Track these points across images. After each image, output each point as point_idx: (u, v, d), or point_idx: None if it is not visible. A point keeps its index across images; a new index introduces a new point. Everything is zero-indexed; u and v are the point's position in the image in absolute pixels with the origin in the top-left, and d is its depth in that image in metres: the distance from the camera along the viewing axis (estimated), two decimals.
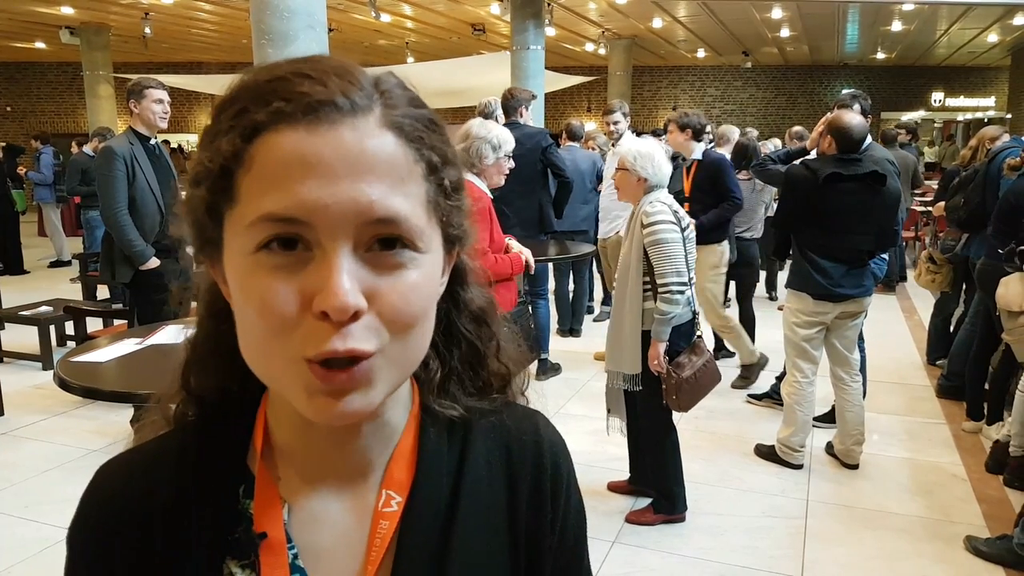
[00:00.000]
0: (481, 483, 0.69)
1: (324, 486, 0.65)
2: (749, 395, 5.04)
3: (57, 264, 10.59)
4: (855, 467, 4.08)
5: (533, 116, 5.91)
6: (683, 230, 3.29)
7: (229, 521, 0.63)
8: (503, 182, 3.63)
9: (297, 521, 0.64)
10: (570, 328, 6.65)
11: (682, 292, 3.22)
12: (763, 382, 5.18)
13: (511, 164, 3.62)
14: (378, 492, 0.66)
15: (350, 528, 0.65)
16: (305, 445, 0.65)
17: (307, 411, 0.56)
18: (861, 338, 4.48)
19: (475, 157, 3.48)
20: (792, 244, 3.98)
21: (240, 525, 0.63)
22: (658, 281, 3.22)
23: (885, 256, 4.51)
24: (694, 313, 3.42)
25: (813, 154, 4.30)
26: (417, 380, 0.70)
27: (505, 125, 5.00)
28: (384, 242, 0.55)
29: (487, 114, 5.68)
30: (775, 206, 6.31)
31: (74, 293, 7.98)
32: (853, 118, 3.86)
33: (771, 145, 8.90)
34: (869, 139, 4.43)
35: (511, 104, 5.47)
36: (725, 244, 5.26)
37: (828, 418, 4.47)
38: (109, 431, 4.55)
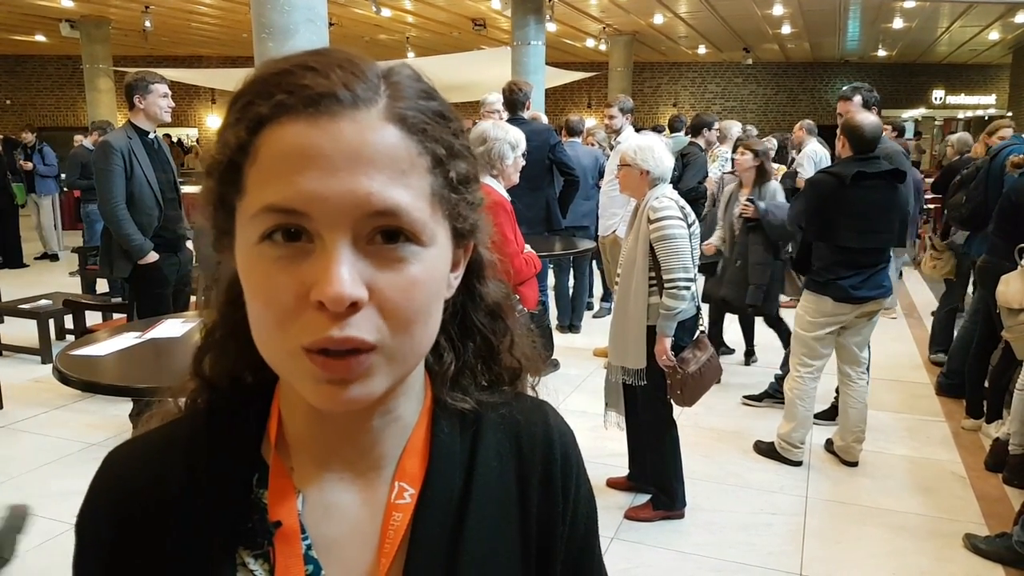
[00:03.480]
0: (492, 474, 0.69)
1: (337, 477, 0.66)
2: (746, 396, 5.03)
3: (52, 258, 10.57)
4: (854, 464, 4.08)
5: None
6: (689, 226, 3.29)
7: (242, 510, 0.63)
8: (517, 180, 3.64)
9: (311, 512, 0.65)
10: (570, 324, 6.65)
11: (688, 288, 3.22)
12: (762, 382, 5.17)
13: (522, 162, 3.63)
14: (391, 484, 0.66)
15: (363, 520, 0.65)
16: (317, 436, 0.65)
17: (312, 399, 0.57)
18: None
19: (496, 159, 3.48)
20: (813, 250, 3.96)
21: (254, 515, 0.63)
22: (665, 277, 3.22)
23: (891, 255, 4.51)
24: (698, 308, 3.42)
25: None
26: (429, 371, 0.70)
27: (510, 121, 4.98)
28: (386, 235, 0.55)
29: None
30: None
31: (73, 287, 7.97)
32: (865, 117, 3.84)
33: (774, 140, 8.88)
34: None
35: (517, 99, 5.39)
36: None
37: (827, 415, 4.47)
38: (108, 425, 4.54)
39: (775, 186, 5.04)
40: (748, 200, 4.86)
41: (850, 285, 3.80)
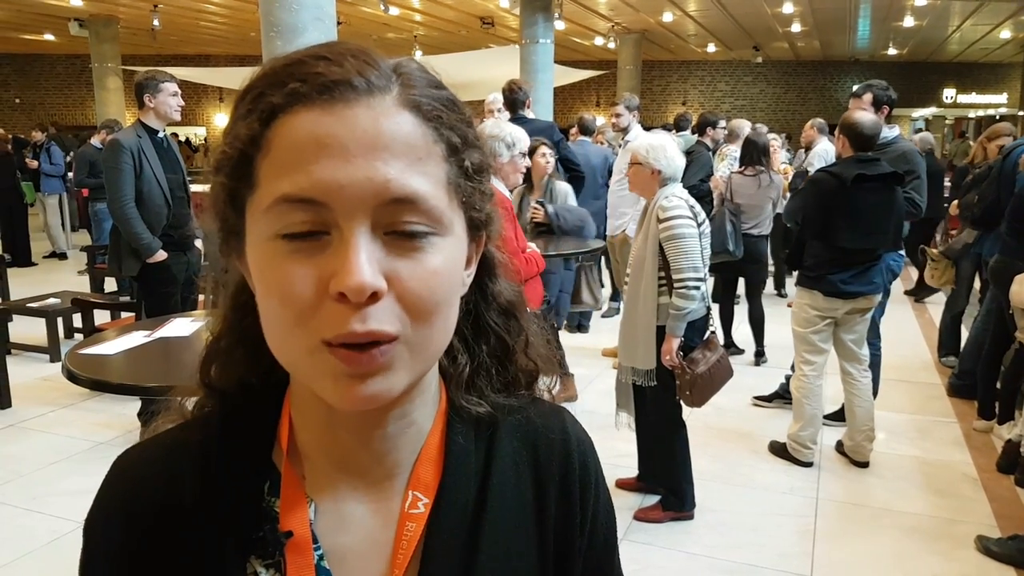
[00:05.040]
0: (508, 483, 0.68)
1: (350, 486, 0.64)
2: (756, 397, 5.01)
3: (61, 256, 10.61)
4: (865, 464, 4.06)
5: (535, 110, 5.88)
6: (699, 225, 3.26)
7: (254, 519, 0.62)
8: (520, 180, 3.63)
9: (323, 521, 0.63)
10: (578, 324, 6.63)
11: (698, 287, 3.20)
12: (772, 382, 5.15)
13: (527, 162, 3.61)
14: (404, 493, 0.65)
15: (376, 529, 0.64)
16: (330, 443, 0.64)
17: (330, 396, 0.55)
18: (878, 336, 4.47)
19: (489, 156, 3.46)
20: (806, 248, 3.95)
21: (265, 523, 0.62)
22: (674, 276, 3.20)
23: (902, 252, 4.49)
24: (708, 308, 3.40)
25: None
26: (444, 375, 0.69)
27: (512, 120, 4.97)
28: (404, 224, 0.54)
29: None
30: (783, 203, 6.28)
31: (82, 285, 7.99)
32: (863, 115, 3.84)
33: (778, 140, 8.86)
34: (897, 131, 4.42)
35: (517, 98, 5.38)
36: None
37: (838, 416, 4.44)
38: (116, 423, 4.55)
39: (566, 189, 4.84)
40: (538, 203, 4.62)
41: (840, 280, 3.82)
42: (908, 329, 6.92)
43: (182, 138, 19.35)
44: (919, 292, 8.22)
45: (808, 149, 8.13)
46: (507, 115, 5.36)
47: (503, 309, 0.71)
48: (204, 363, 0.68)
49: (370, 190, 0.52)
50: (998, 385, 4.54)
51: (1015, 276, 3.85)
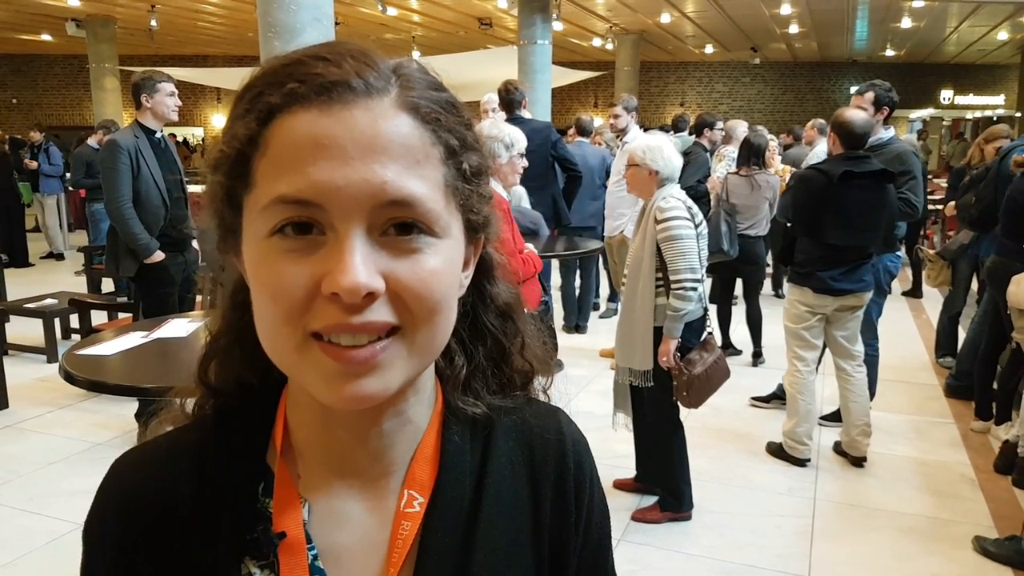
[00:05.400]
0: (503, 483, 0.68)
1: (345, 485, 0.64)
2: (754, 398, 5.01)
3: (58, 257, 10.60)
4: (862, 461, 4.07)
5: (533, 111, 5.89)
6: (697, 226, 3.27)
7: (248, 520, 0.62)
8: (518, 181, 3.63)
9: (317, 521, 0.63)
10: (576, 325, 6.64)
11: (695, 289, 3.21)
12: (770, 383, 5.15)
13: (524, 163, 3.61)
14: (400, 492, 0.65)
15: (371, 529, 0.64)
16: (326, 442, 0.64)
17: (323, 395, 0.55)
18: (875, 336, 4.48)
19: (488, 157, 3.46)
20: (797, 244, 3.98)
21: (259, 524, 0.62)
22: (671, 277, 3.21)
23: (900, 254, 4.50)
24: (705, 309, 3.40)
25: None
26: (440, 376, 0.69)
27: (508, 121, 4.97)
28: (400, 227, 0.54)
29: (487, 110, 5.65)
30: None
31: (79, 286, 7.98)
32: (855, 114, 3.85)
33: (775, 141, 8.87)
34: (893, 131, 4.43)
35: (513, 98, 5.38)
36: None
37: (835, 417, 4.45)
38: (114, 424, 4.55)
39: (520, 191, 4.81)
40: None
41: (830, 277, 3.84)
42: (905, 330, 6.93)
43: (179, 138, 19.34)
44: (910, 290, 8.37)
45: (788, 148, 8.17)
46: (503, 115, 5.36)
47: (501, 311, 0.71)
48: (202, 362, 0.68)
49: (367, 192, 0.52)
50: (995, 385, 4.55)
51: (1012, 276, 3.85)
